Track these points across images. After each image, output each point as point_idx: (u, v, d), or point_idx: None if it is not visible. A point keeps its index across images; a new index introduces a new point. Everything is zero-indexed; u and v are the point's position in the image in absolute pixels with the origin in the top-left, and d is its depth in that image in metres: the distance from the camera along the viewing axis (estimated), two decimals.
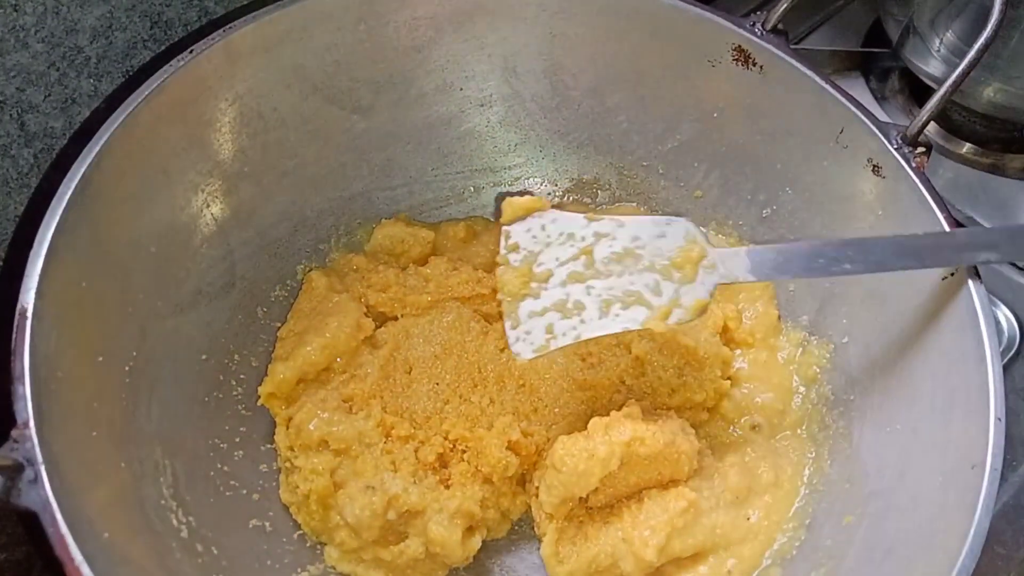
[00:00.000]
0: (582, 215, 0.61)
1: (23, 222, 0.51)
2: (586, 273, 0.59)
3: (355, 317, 0.66)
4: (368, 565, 0.61)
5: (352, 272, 0.71)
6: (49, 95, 0.67)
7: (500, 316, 0.62)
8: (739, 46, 0.67)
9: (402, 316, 0.69)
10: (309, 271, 0.71)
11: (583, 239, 0.60)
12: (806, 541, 0.60)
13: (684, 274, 0.58)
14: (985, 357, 0.53)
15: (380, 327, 0.68)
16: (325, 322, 0.65)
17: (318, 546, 0.62)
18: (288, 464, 0.62)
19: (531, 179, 0.78)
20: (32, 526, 0.44)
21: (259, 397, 0.64)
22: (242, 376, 0.65)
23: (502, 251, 0.61)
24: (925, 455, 0.55)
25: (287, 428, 0.63)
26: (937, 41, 0.83)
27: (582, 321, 0.58)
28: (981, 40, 0.58)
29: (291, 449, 0.62)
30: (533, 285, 0.60)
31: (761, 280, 0.59)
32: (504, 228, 0.61)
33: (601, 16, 0.70)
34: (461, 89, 0.74)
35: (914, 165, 0.60)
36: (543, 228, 0.61)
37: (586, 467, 0.58)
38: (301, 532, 0.62)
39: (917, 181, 0.59)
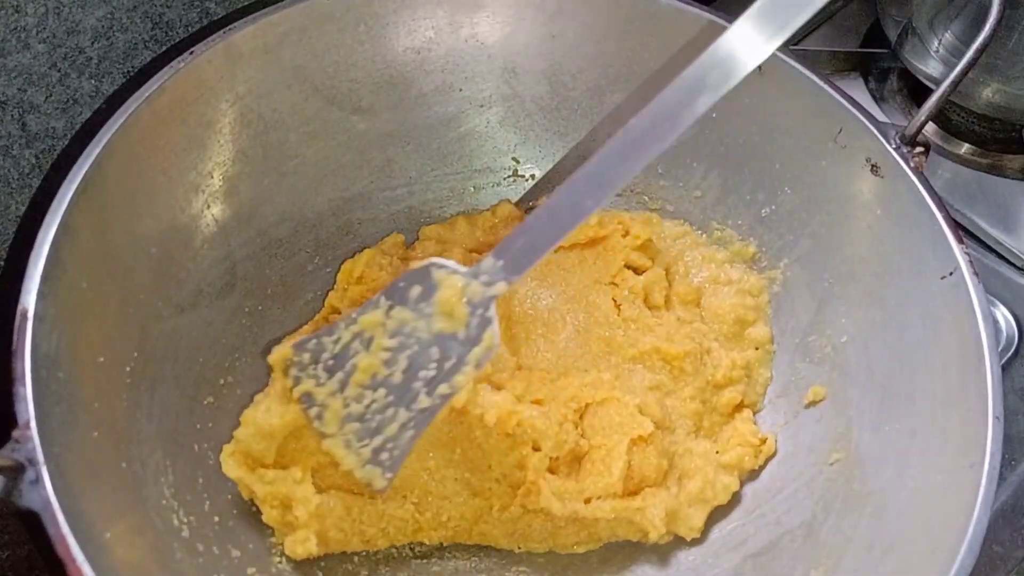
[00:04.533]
0: (338, 323, 0.56)
1: (24, 222, 0.52)
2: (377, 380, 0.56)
3: None
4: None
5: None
6: (50, 96, 0.67)
7: None
8: None
9: None
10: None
11: (355, 351, 0.56)
12: (805, 540, 0.60)
13: (456, 319, 0.54)
14: (983, 356, 0.53)
15: None
16: None
17: None
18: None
19: (530, 179, 0.78)
20: (33, 526, 0.44)
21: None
22: (243, 377, 0.66)
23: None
24: (924, 454, 0.55)
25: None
26: (936, 42, 0.83)
27: (403, 426, 0.56)
28: (979, 40, 0.58)
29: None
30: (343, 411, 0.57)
31: (522, 272, 0.53)
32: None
33: (601, 16, 0.71)
34: (461, 90, 0.74)
35: (912, 165, 0.60)
36: (314, 357, 0.57)
37: None
38: None
39: (916, 181, 0.59)
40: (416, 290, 0.55)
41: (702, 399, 0.67)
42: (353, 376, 0.56)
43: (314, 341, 0.57)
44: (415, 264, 0.56)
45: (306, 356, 0.57)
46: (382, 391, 0.56)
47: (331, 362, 0.57)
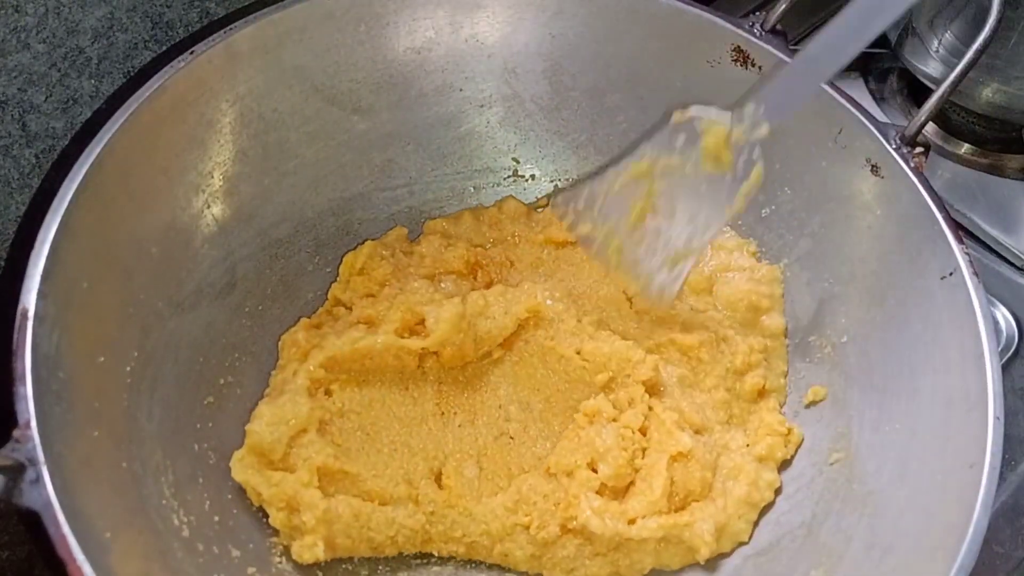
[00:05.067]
0: (607, 173, 0.64)
1: (25, 222, 0.52)
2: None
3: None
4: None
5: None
6: (51, 96, 0.67)
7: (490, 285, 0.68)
8: (738, 47, 0.67)
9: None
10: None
11: (627, 195, 0.63)
12: (805, 540, 0.60)
13: (722, 162, 0.59)
14: (983, 356, 0.53)
15: None
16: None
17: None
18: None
19: (530, 179, 0.78)
20: (34, 526, 0.44)
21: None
22: (243, 377, 0.66)
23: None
24: (924, 454, 0.55)
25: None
26: (936, 42, 0.83)
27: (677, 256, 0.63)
28: (979, 40, 0.58)
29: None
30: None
31: (782, 116, 0.57)
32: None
33: (601, 16, 0.71)
34: (461, 90, 0.74)
35: (913, 165, 0.60)
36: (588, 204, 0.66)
37: None
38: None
39: (916, 181, 0.60)
40: (681, 138, 0.60)
41: (726, 387, 0.66)
42: (628, 217, 0.63)
43: (586, 190, 0.65)
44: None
45: (580, 203, 0.65)
46: (655, 228, 0.63)
47: (604, 207, 0.64)
